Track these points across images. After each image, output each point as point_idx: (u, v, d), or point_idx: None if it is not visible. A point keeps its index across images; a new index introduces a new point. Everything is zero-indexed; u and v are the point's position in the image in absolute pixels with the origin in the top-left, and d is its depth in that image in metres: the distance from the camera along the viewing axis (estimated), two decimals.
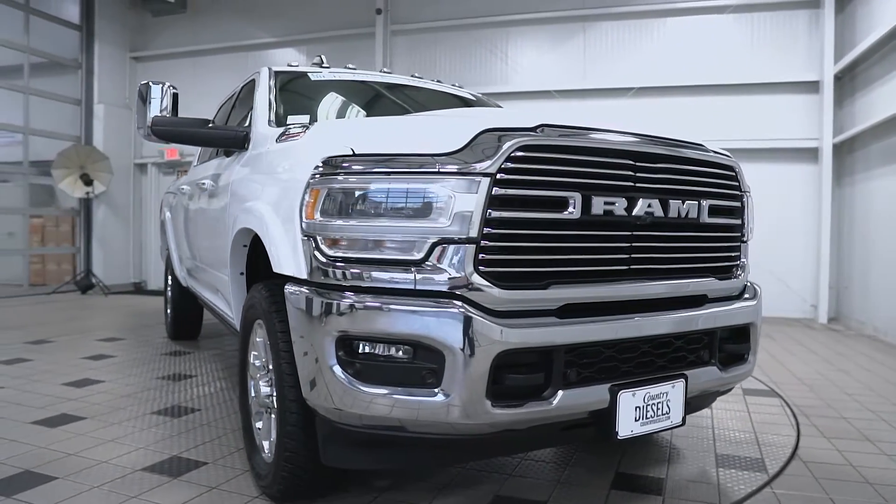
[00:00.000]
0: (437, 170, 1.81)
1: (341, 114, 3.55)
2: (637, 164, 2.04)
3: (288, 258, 2.07)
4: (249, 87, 3.74)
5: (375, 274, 1.85)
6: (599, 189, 1.95)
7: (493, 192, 1.80)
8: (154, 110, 3.07)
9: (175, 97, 3.15)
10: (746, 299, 2.44)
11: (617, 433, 1.98)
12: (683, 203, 2.14)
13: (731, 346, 2.36)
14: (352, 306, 1.84)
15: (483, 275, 1.81)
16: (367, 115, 3.56)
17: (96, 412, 3.55)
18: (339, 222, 1.89)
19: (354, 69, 3.85)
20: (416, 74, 4.15)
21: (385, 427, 1.90)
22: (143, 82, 3.07)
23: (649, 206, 2.04)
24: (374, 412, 1.84)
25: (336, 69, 3.72)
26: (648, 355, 2.10)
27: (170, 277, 5.74)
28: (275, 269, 2.15)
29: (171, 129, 3.02)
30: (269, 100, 3.26)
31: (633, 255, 2.06)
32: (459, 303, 1.79)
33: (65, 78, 10.23)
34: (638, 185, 2.04)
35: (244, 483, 2.58)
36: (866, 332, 6.86)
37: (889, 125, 6.51)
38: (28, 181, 9.89)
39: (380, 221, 1.85)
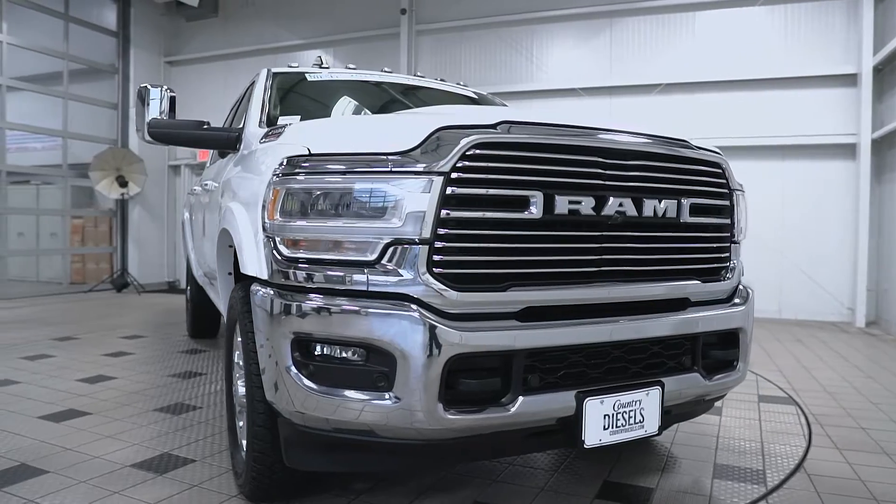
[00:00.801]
0: (388, 169, 1.77)
1: (336, 114, 3.54)
2: (607, 161, 1.96)
3: (252, 258, 2.07)
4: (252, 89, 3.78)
5: (330, 275, 1.83)
6: (564, 188, 1.88)
7: (446, 192, 1.75)
8: (153, 112, 3.13)
9: (172, 100, 3.20)
10: (735, 303, 2.32)
11: (583, 442, 1.90)
12: (660, 202, 2.04)
13: (718, 353, 2.25)
14: (306, 308, 1.82)
15: (437, 276, 1.76)
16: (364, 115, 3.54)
17: (102, 408, 3.63)
18: (296, 223, 1.87)
19: (354, 69, 3.84)
20: (419, 73, 4.12)
21: (354, 432, 1.87)
22: (142, 85, 3.12)
23: (620, 205, 1.96)
24: (339, 416, 1.81)
25: (335, 69, 3.72)
26: (621, 361, 2.02)
27: (191, 277, 5.86)
28: (241, 270, 2.15)
29: (166, 131, 3.06)
30: (263, 101, 3.28)
31: (604, 257, 1.98)
32: (411, 305, 1.75)
33: (102, 83, 10.57)
34: (609, 183, 1.96)
35: (225, 482, 2.59)
36: None
37: None
38: (69, 183, 10.25)
39: (333, 222, 1.82)
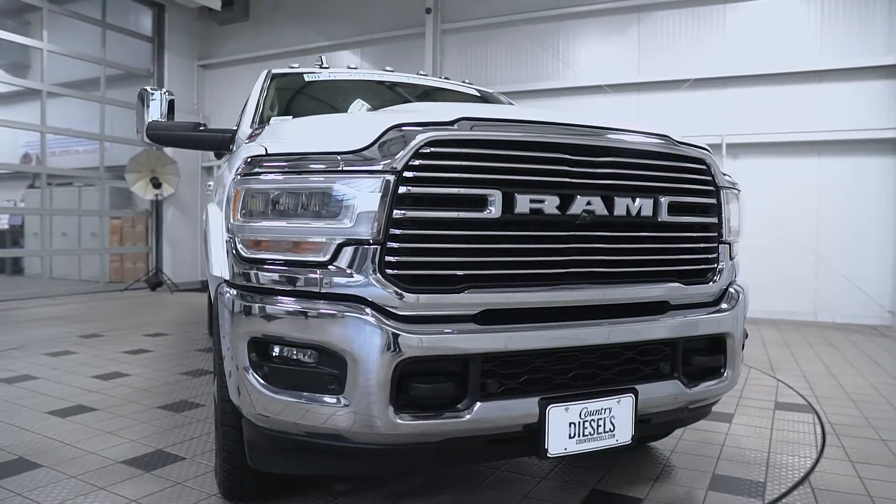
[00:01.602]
0: (339, 168, 1.74)
1: (330, 113, 3.53)
2: (574, 158, 1.88)
3: (219, 259, 2.07)
4: None
5: (285, 275, 1.81)
6: (526, 186, 1.81)
7: (399, 191, 1.71)
8: (154, 114, 3.18)
9: (171, 103, 3.26)
10: (720, 307, 2.19)
11: (547, 450, 1.83)
12: (634, 200, 1.95)
13: (701, 359, 2.13)
14: (261, 309, 1.81)
15: (389, 277, 1.72)
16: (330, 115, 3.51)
17: (109, 404, 3.71)
18: (254, 223, 1.85)
19: (355, 68, 3.82)
20: (422, 72, 4.08)
21: (323, 436, 1.84)
22: (142, 88, 3.17)
23: (589, 203, 1.87)
24: (308, 420, 1.78)
25: (336, 69, 3.71)
26: (590, 367, 1.94)
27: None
28: (210, 270, 2.15)
29: (164, 133, 3.11)
30: (258, 101, 3.30)
31: (572, 258, 1.90)
32: (362, 307, 1.72)
33: (137, 87, 10.84)
34: (576, 181, 1.88)
35: (209, 480, 2.60)
36: None
37: None
38: (108, 185, 10.60)
39: (288, 222, 1.80)
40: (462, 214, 1.75)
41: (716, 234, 2.20)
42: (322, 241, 1.76)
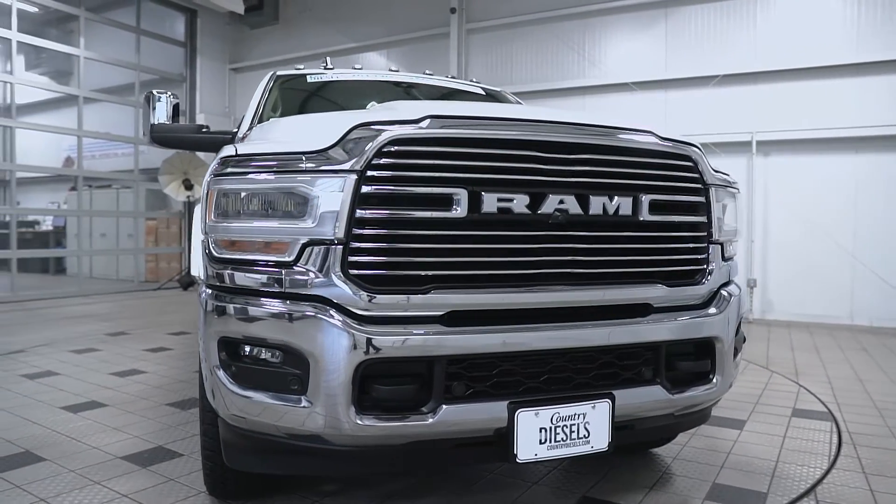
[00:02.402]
0: (303, 168, 1.73)
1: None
2: (546, 155, 1.83)
3: (197, 259, 2.09)
4: None
5: (253, 275, 1.81)
6: (493, 184, 1.77)
7: (361, 190, 1.69)
8: (159, 117, 3.24)
9: (176, 106, 3.31)
10: (708, 310, 2.10)
11: (516, 456, 1.79)
12: (612, 199, 1.89)
13: (688, 364, 2.05)
14: (229, 309, 1.82)
15: (352, 278, 1.70)
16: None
17: (121, 401, 3.80)
18: (224, 223, 1.86)
19: (360, 69, 3.83)
20: (428, 71, 4.06)
21: (303, 438, 1.84)
22: (148, 91, 3.23)
23: (562, 202, 1.82)
24: (285, 423, 1.78)
25: (339, 70, 3.72)
26: (564, 371, 1.88)
27: None
28: (190, 271, 2.17)
29: (167, 135, 3.17)
30: (259, 103, 3.33)
31: (545, 259, 1.85)
32: (325, 307, 1.70)
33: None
34: (549, 178, 1.83)
35: (201, 477, 2.62)
36: None
37: None
38: (143, 187, 10.91)
39: (255, 222, 1.80)
40: (427, 214, 1.73)
41: (705, 233, 2.11)
42: (287, 242, 1.75)
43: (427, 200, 1.73)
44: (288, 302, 1.74)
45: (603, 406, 1.87)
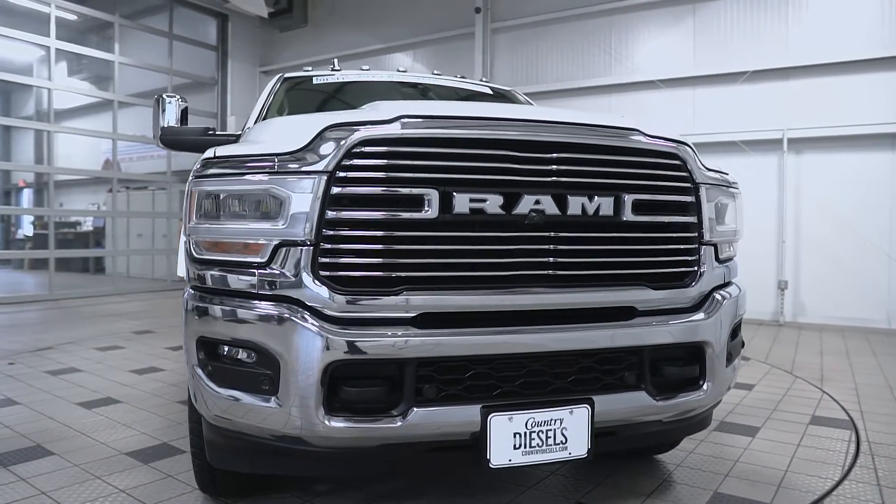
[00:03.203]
0: (274, 170, 1.74)
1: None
2: (521, 154, 1.79)
3: (182, 260, 2.11)
4: None
5: (228, 276, 1.83)
6: (466, 185, 1.74)
7: (331, 191, 1.69)
8: (169, 120, 3.31)
9: (185, 110, 3.37)
10: (697, 314, 2.02)
11: (489, 461, 1.75)
12: (591, 199, 1.84)
13: (674, 370, 1.98)
14: (206, 309, 1.84)
15: (322, 279, 1.70)
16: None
17: (135, 398, 3.89)
18: (203, 224, 1.88)
19: (368, 69, 3.84)
20: (436, 71, 4.04)
21: (287, 439, 1.84)
22: (158, 94, 3.30)
23: (537, 202, 1.78)
24: (268, 424, 1.78)
25: (346, 71, 3.73)
26: (541, 375, 1.84)
27: None
28: (176, 272, 2.20)
29: (176, 138, 3.22)
30: (263, 105, 3.37)
31: (521, 260, 1.81)
32: (295, 308, 1.71)
33: (203, 94, 11.44)
34: (524, 178, 1.79)
35: None
36: None
37: None
38: (176, 188, 11.19)
39: (230, 223, 1.81)
40: (397, 214, 1.71)
41: (695, 234, 2.04)
42: (260, 243, 1.76)
43: (397, 201, 1.71)
44: (260, 302, 1.75)
45: (581, 412, 1.82)
